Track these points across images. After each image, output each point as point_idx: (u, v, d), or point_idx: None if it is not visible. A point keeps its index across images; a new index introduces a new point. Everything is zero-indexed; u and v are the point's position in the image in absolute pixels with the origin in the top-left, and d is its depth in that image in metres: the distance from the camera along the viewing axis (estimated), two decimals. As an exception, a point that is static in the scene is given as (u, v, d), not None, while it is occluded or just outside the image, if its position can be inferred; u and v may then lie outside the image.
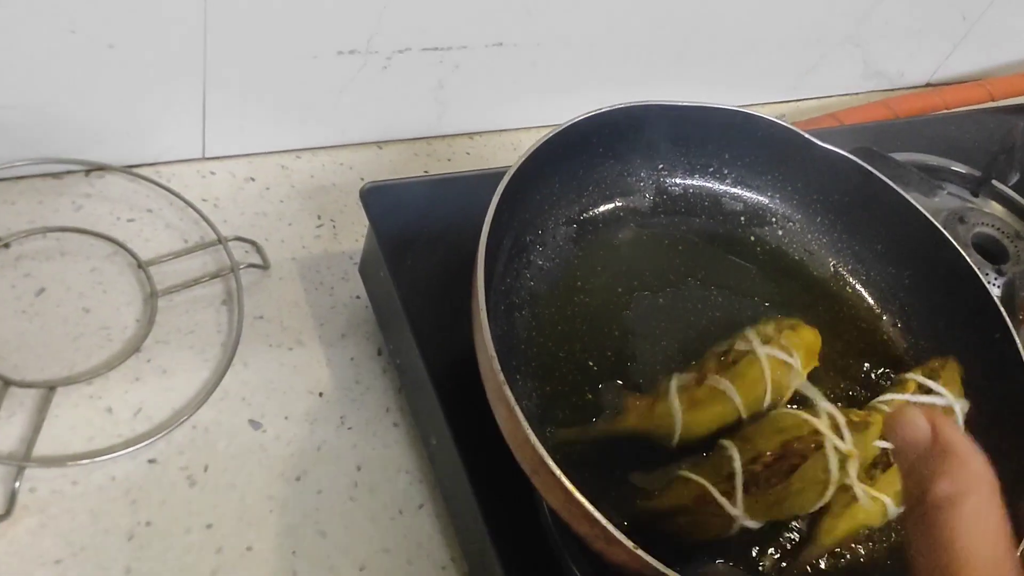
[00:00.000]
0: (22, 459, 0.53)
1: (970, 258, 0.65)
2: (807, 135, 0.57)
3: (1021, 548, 0.44)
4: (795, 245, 0.61)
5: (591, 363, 0.51)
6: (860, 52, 0.95)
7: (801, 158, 0.59)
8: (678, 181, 0.59)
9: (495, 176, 0.48)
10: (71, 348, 0.59)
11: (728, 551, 0.47)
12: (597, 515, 0.37)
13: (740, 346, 0.51)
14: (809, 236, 0.61)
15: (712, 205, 0.60)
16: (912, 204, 0.56)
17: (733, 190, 0.61)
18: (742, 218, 0.61)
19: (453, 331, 0.51)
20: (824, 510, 0.47)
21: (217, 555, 0.54)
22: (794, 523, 0.49)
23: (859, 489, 0.47)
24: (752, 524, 0.46)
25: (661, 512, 0.46)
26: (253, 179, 0.72)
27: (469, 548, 0.54)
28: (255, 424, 0.60)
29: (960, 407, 0.53)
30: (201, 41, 0.61)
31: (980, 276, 0.54)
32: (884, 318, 0.60)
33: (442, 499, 0.59)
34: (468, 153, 0.81)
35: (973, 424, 0.52)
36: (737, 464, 0.45)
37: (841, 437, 0.47)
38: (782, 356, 0.52)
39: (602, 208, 0.57)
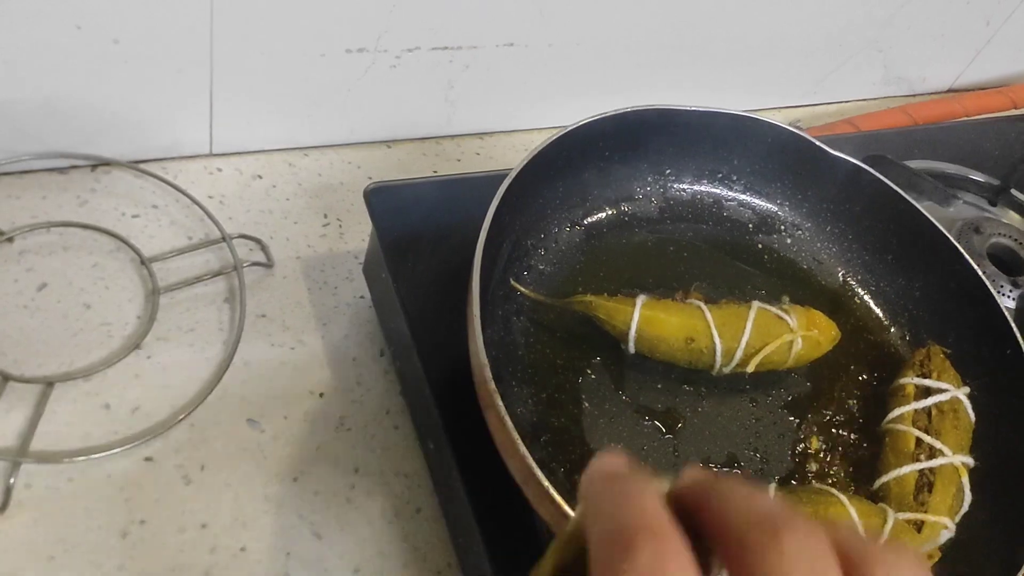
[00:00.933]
0: (18, 454, 0.53)
1: (985, 269, 0.64)
2: (819, 142, 0.56)
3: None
4: (804, 254, 0.60)
5: (590, 371, 0.50)
6: (881, 57, 0.94)
7: (812, 165, 0.57)
8: (685, 187, 0.58)
9: (501, 178, 0.47)
10: (71, 344, 0.59)
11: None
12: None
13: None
14: (818, 245, 0.60)
15: (720, 212, 0.59)
16: (924, 215, 0.55)
17: (742, 197, 0.60)
18: (750, 225, 0.60)
19: (453, 335, 0.50)
20: None
21: (211, 555, 0.54)
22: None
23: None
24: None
25: None
26: (260, 176, 0.72)
27: (464, 554, 0.53)
28: (253, 424, 0.59)
29: (964, 394, 0.52)
30: (208, 37, 0.61)
31: (993, 290, 0.53)
32: (892, 330, 0.59)
33: (440, 504, 0.58)
34: (478, 154, 0.80)
35: (981, 439, 0.51)
36: None
37: None
38: (776, 311, 0.51)
39: (607, 213, 0.56)
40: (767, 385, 0.55)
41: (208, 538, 0.54)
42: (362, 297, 0.67)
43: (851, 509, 0.44)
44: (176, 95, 0.65)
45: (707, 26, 0.79)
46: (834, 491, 0.45)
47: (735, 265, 0.57)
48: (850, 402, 0.55)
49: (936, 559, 0.45)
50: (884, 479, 0.49)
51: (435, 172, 0.77)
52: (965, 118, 0.86)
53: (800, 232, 0.60)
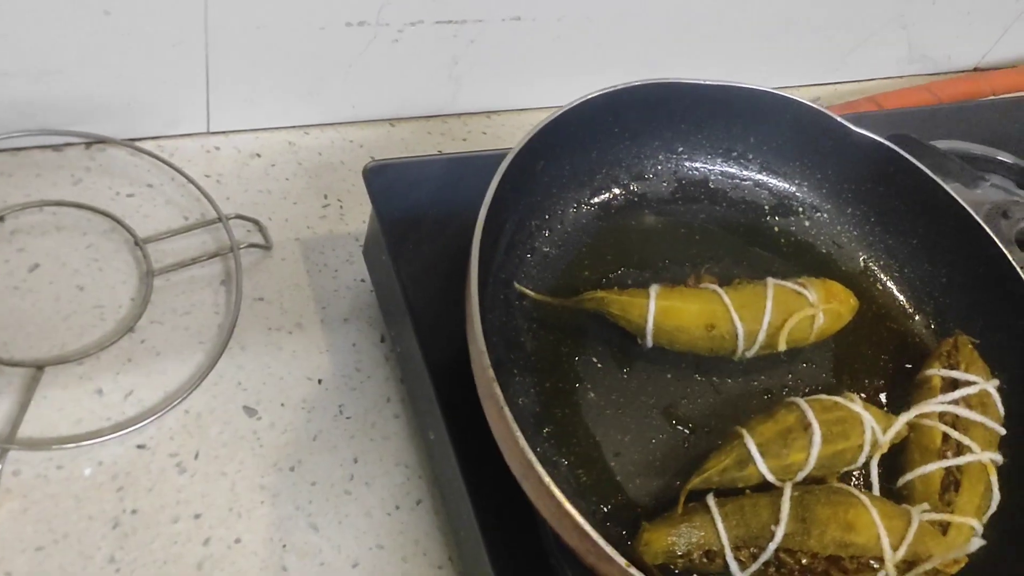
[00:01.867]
0: (6, 441, 0.51)
1: (1013, 256, 0.61)
2: (840, 119, 0.53)
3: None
4: (823, 237, 0.57)
5: (596, 359, 0.48)
6: (905, 34, 0.90)
7: (833, 144, 0.54)
8: (699, 166, 0.56)
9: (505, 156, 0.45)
10: (62, 326, 0.57)
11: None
12: (588, 528, 0.34)
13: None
14: (838, 228, 0.57)
15: (734, 192, 0.56)
16: (952, 196, 0.52)
17: (758, 176, 0.57)
18: (766, 207, 0.57)
19: (455, 321, 0.48)
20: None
21: (204, 546, 0.52)
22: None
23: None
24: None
25: (662, 549, 0.42)
26: (259, 155, 0.70)
27: (463, 548, 0.51)
28: (250, 411, 0.57)
29: (993, 386, 0.49)
30: (202, 8, 0.59)
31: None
32: (917, 318, 0.56)
33: (440, 496, 0.56)
34: (484, 133, 0.77)
35: (1011, 434, 0.48)
36: (772, 543, 0.41)
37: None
38: (793, 287, 0.49)
39: (615, 192, 0.54)
40: (783, 374, 0.52)
41: (202, 529, 0.52)
42: (363, 280, 0.65)
43: (872, 511, 0.42)
44: (171, 70, 0.63)
45: (724, 1, 0.76)
46: (854, 491, 0.43)
47: (750, 249, 0.55)
48: (873, 393, 0.52)
49: (963, 564, 0.43)
50: (908, 477, 0.47)
51: (440, 152, 0.75)
52: (992, 97, 0.82)
53: (819, 214, 0.57)
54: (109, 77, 0.61)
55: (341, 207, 0.69)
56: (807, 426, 0.44)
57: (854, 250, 0.57)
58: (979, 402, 0.48)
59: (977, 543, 0.43)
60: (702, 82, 0.51)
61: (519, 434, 0.35)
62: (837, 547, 0.41)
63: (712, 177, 0.56)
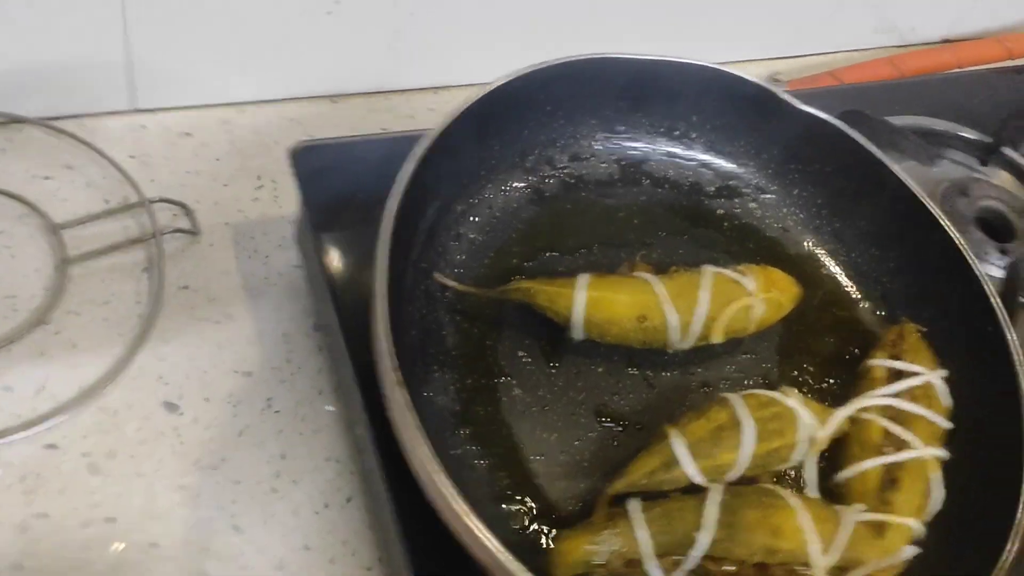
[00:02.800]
0: (-96, 441, 0.48)
1: (971, 235, 0.59)
2: (787, 96, 0.51)
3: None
4: (768, 220, 0.55)
5: (523, 353, 0.45)
6: (872, 5, 0.87)
7: (779, 122, 0.52)
8: (639, 145, 0.53)
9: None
10: (-31, 319, 0.54)
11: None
12: (489, 543, 0.31)
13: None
14: (784, 211, 0.55)
15: (677, 173, 0.54)
16: (900, 176, 0.50)
17: (701, 156, 0.54)
18: (710, 188, 0.54)
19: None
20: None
21: (118, 552, 0.49)
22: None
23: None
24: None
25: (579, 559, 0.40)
26: (189, 134, 0.66)
27: (390, 548, 0.49)
28: (171, 406, 0.55)
29: (939, 377, 0.47)
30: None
31: (975, 260, 0.47)
32: (864, 305, 0.54)
33: (371, 492, 0.54)
34: (431, 109, 0.74)
35: (957, 428, 0.46)
36: (695, 551, 0.39)
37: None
38: (732, 275, 0.46)
39: (549, 175, 0.51)
40: (722, 366, 0.50)
41: (116, 533, 0.50)
42: (296, 267, 0.62)
43: (802, 514, 0.39)
44: (88, 44, 0.59)
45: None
46: (783, 493, 0.41)
47: (693, 232, 0.52)
48: (817, 384, 0.50)
49: (899, 570, 0.41)
50: (845, 474, 0.45)
51: (383, 129, 0.72)
52: (957, 69, 0.80)
53: (765, 196, 0.55)
54: (22, 51, 0.58)
55: (275, 189, 0.66)
56: (738, 423, 0.42)
57: (800, 233, 0.55)
58: (924, 394, 0.46)
59: (911, 551, 0.41)
60: (639, 56, 0.48)
61: (421, 435, 0.32)
62: (764, 554, 0.39)
63: (654, 157, 0.54)
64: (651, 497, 0.41)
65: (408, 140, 0.57)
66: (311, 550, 0.52)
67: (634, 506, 0.40)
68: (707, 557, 0.39)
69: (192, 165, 0.65)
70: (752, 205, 0.55)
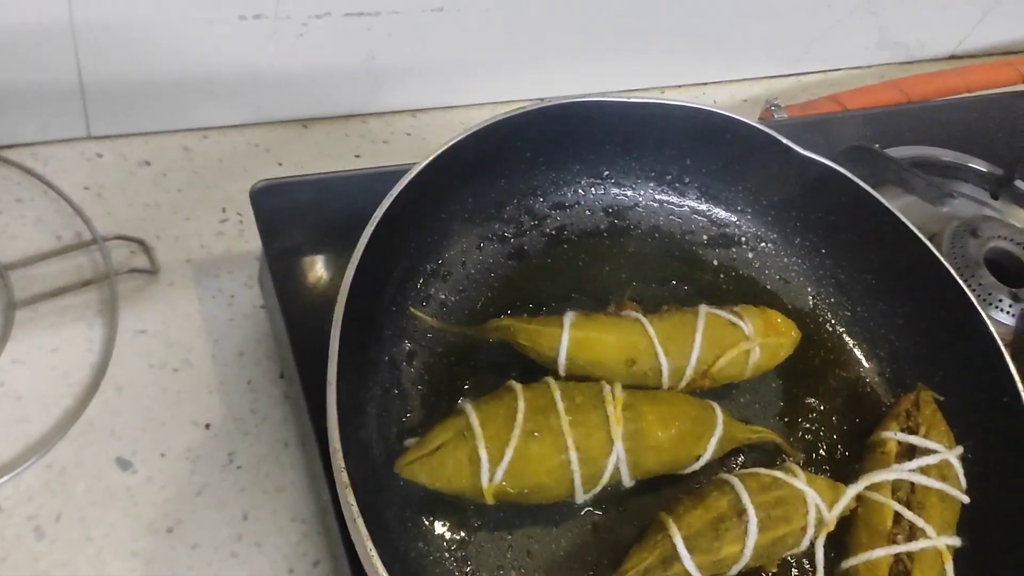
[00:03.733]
0: None
1: (981, 280, 0.55)
2: (786, 141, 0.47)
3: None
4: (768, 271, 0.51)
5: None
6: (875, 20, 0.83)
7: (779, 166, 0.48)
8: (628, 192, 0.49)
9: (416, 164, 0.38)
10: (-95, 371, 0.50)
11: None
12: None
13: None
14: (785, 260, 0.51)
15: (668, 221, 0.50)
16: (910, 228, 0.46)
17: (695, 204, 0.50)
18: (705, 237, 0.51)
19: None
20: None
21: (61, 626, 0.46)
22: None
23: None
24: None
25: None
26: (148, 163, 0.62)
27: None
28: (124, 463, 0.51)
29: (956, 456, 0.44)
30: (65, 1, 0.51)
31: (989, 323, 0.44)
32: (869, 365, 0.50)
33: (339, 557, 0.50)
34: (409, 134, 0.70)
35: (971, 510, 0.42)
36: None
37: None
38: (728, 317, 0.43)
39: (529, 226, 0.47)
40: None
41: (60, 606, 0.46)
42: (262, 307, 0.58)
43: None
44: (37, 68, 0.55)
45: (674, -14, 0.69)
46: None
47: (685, 288, 0.48)
48: (818, 453, 0.46)
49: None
50: (852, 562, 0.41)
51: (358, 156, 0.68)
52: (966, 94, 0.76)
53: (764, 245, 0.51)
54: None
55: (241, 221, 0.62)
56: (742, 512, 0.39)
57: (802, 285, 0.51)
58: (939, 474, 0.42)
59: None
60: (626, 100, 0.44)
61: (370, 545, 0.28)
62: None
63: (643, 204, 0.50)
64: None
65: (377, 176, 0.53)
66: (273, 623, 0.48)
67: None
68: None
69: (151, 196, 0.61)
70: (750, 255, 0.51)
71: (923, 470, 0.42)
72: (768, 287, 0.51)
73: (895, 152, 0.65)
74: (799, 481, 0.40)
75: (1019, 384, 0.43)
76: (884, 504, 0.41)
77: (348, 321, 0.33)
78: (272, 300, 0.50)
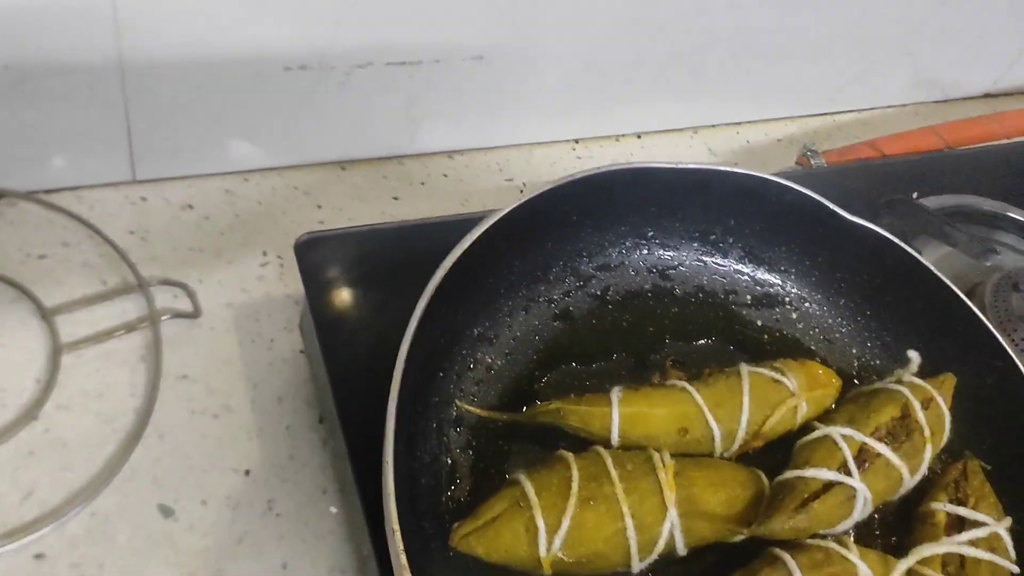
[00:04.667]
0: None
1: (1024, 336, 0.54)
2: (832, 205, 0.47)
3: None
4: (812, 332, 0.51)
5: (543, 495, 0.41)
6: (910, 59, 0.83)
7: (823, 229, 0.48)
8: (671, 253, 0.49)
9: (462, 223, 0.39)
10: (-46, 417, 0.51)
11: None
12: None
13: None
14: (830, 322, 0.51)
15: (712, 282, 0.50)
16: (957, 294, 0.46)
17: (738, 264, 0.50)
18: (748, 297, 0.51)
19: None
20: None
21: (104, 677, 0.46)
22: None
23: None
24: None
25: None
26: (191, 207, 0.63)
27: None
28: (166, 510, 0.51)
29: (1005, 528, 0.44)
30: (114, 47, 0.52)
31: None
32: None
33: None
34: (446, 175, 0.71)
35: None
36: None
37: None
38: (770, 374, 0.44)
39: (575, 287, 0.47)
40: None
41: (102, 656, 0.46)
42: (302, 351, 0.59)
43: None
44: (87, 113, 0.56)
45: (709, 27, 0.69)
46: None
47: (727, 349, 0.48)
48: (865, 525, 0.46)
49: None
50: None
51: (396, 198, 0.68)
52: (1005, 140, 0.75)
53: (808, 305, 0.51)
54: (14, 120, 0.55)
55: (281, 265, 0.62)
56: None
57: (847, 347, 0.51)
58: (988, 546, 0.42)
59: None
60: (672, 166, 0.44)
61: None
62: None
63: (687, 264, 0.50)
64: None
65: (419, 228, 0.54)
66: (312, 675, 0.49)
67: None
68: None
69: (195, 240, 0.62)
70: (793, 315, 0.51)
71: (972, 542, 0.42)
72: (812, 348, 0.51)
73: (935, 201, 0.65)
74: (852, 555, 0.40)
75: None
76: None
77: (401, 392, 0.34)
78: (313, 347, 0.50)
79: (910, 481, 0.44)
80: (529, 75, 0.66)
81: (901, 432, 0.44)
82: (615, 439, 0.43)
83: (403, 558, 0.30)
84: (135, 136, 0.59)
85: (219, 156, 0.63)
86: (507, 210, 0.39)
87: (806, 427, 0.47)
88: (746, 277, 0.51)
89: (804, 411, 0.47)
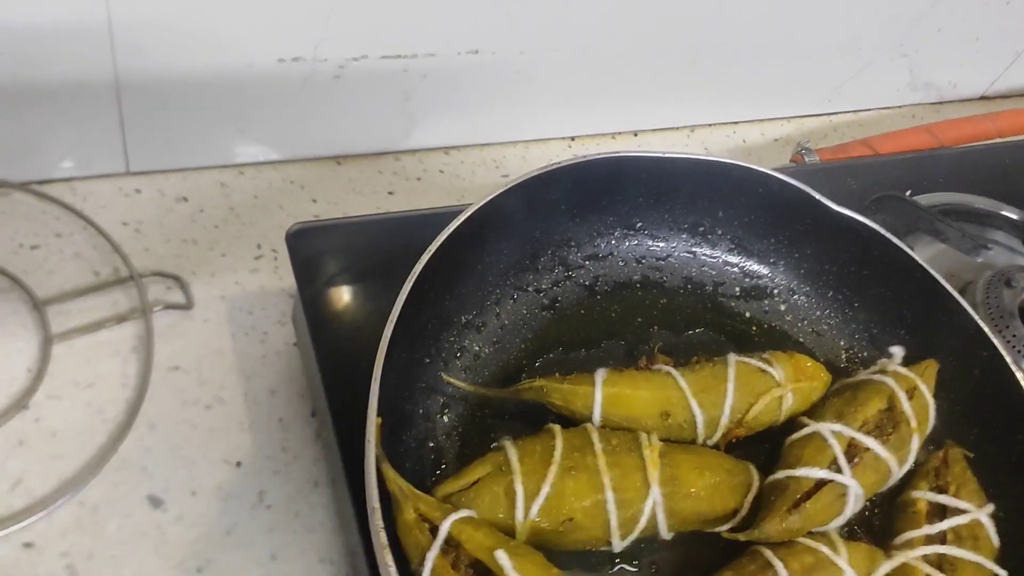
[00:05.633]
0: None
1: (1015, 332, 0.54)
2: (818, 196, 0.47)
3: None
4: (800, 324, 0.51)
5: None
6: (906, 61, 0.83)
7: (812, 220, 0.48)
8: (660, 244, 0.49)
9: (452, 216, 0.39)
10: (-56, 406, 0.51)
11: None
12: None
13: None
14: (818, 313, 0.51)
15: (700, 274, 0.50)
16: (943, 284, 0.46)
17: (727, 256, 0.50)
18: (737, 289, 0.51)
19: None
20: None
21: (91, 665, 0.46)
22: None
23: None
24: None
25: None
26: (185, 199, 0.63)
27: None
28: (155, 501, 0.51)
29: (987, 515, 0.43)
30: (107, 45, 0.52)
31: (1022, 380, 0.43)
32: (904, 423, 0.50)
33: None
34: (442, 171, 0.71)
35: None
36: None
37: None
38: (758, 364, 0.44)
39: (563, 276, 0.47)
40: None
41: (90, 644, 0.46)
42: (295, 344, 0.59)
43: None
44: (80, 105, 0.56)
45: (705, 27, 0.69)
46: None
47: (717, 340, 0.48)
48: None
49: None
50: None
51: (391, 193, 0.68)
52: (998, 139, 0.75)
53: (796, 297, 0.51)
54: (8, 111, 0.55)
55: (276, 258, 0.62)
56: None
57: (835, 338, 0.51)
58: (971, 534, 0.42)
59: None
60: (659, 155, 0.44)
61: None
62: None
63: (675, 255, 0.50)
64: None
65: (409, 220, 0.54)
66: (299, 666, 0.49)
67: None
68: None
69: (188, 233, 0.62)
70: (782, 307, 0.51)
71: (954, 531, 0.42)
72: (800, 340, 0.51)
73: (927, 198, 0.65)
74: (840, 559, 0.40)
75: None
76: (916, 569, 0.41)
77: (386, 377, 0.34)
78: (305, 339, 0.50)
79: (899, 472, 0.44)
80: (525, 71, 0.66)
81: (888, 424, 0.44)
82: (596, 418, 0.43)
83: (383, 536, 0.30)
84: (128, 128, 0.59)
85: (214, 149, 0.64)
86: (492, 196, 0.39)
87: (795, 423, 0.47)
88: (735, 268, 0.51)
89: (790, 403, 0.47)
